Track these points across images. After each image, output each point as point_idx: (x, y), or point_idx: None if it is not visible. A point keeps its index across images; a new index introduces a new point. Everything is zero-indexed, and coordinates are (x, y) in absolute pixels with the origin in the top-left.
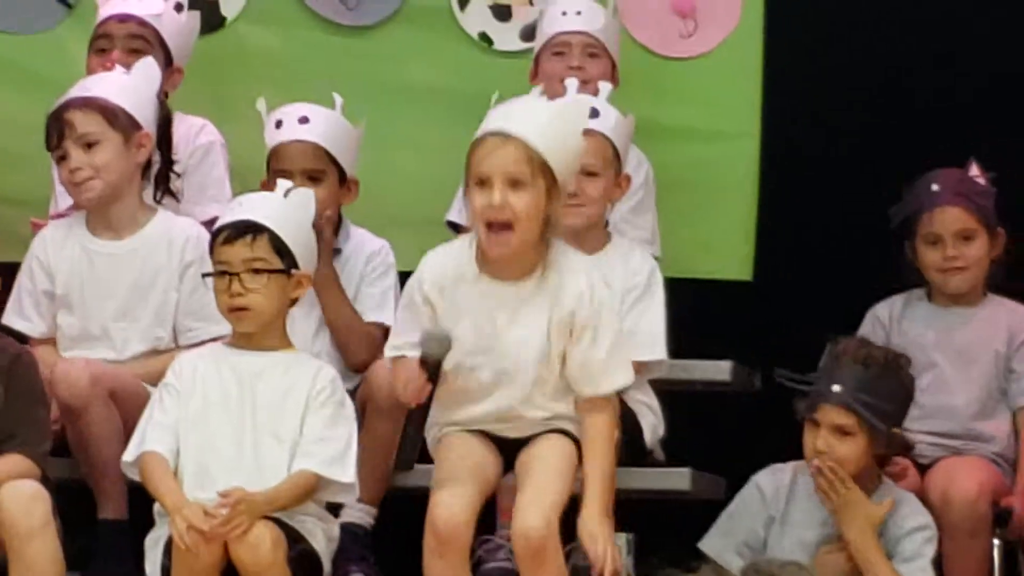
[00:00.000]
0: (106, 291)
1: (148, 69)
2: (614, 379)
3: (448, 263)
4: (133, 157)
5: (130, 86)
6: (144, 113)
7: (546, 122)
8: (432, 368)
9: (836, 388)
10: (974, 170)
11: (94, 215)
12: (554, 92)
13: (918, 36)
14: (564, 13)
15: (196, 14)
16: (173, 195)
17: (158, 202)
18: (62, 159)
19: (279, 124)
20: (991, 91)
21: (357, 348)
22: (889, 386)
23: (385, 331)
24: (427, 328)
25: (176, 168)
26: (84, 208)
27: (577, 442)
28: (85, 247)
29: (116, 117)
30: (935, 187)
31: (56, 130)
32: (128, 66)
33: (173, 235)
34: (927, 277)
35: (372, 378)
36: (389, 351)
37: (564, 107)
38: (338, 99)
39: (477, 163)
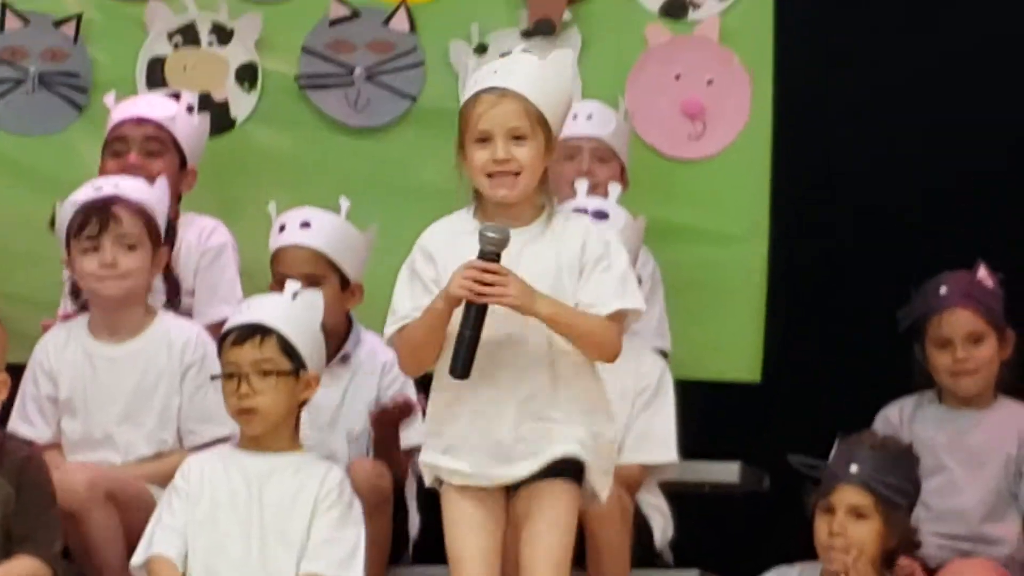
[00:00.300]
0: (108, 395)
1: (164, 191)
2: (626, 300)
3: (446, 226)
4: (153, 270)
5: (155, 200)
6: (162, 231)
7: (538, 77)
8: (493, 260)
9: (854, 468)
10: (982, 272)
11: (97, 318)
12: (564, 195)
13: (926, 140)
14: (575, 116)
15: (206, 116)
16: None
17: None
18: (92, 250)
19: (282, 228)
20: (1002, 195)
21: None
22: (904, 470)
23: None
24: (482, 224)
25: (187, 269)
26: (101, 304)
27: (580, 480)
28: (87, 351)
29: (152, 228)
30: (943, 290)
31: (99, 220)
32: (147, 169)
33: (172, 337)
34: (937, 380)
35: (355, 475)
36: (392, 326)
37: (551, 62)
38: (344, 203)
39: (476, 120)
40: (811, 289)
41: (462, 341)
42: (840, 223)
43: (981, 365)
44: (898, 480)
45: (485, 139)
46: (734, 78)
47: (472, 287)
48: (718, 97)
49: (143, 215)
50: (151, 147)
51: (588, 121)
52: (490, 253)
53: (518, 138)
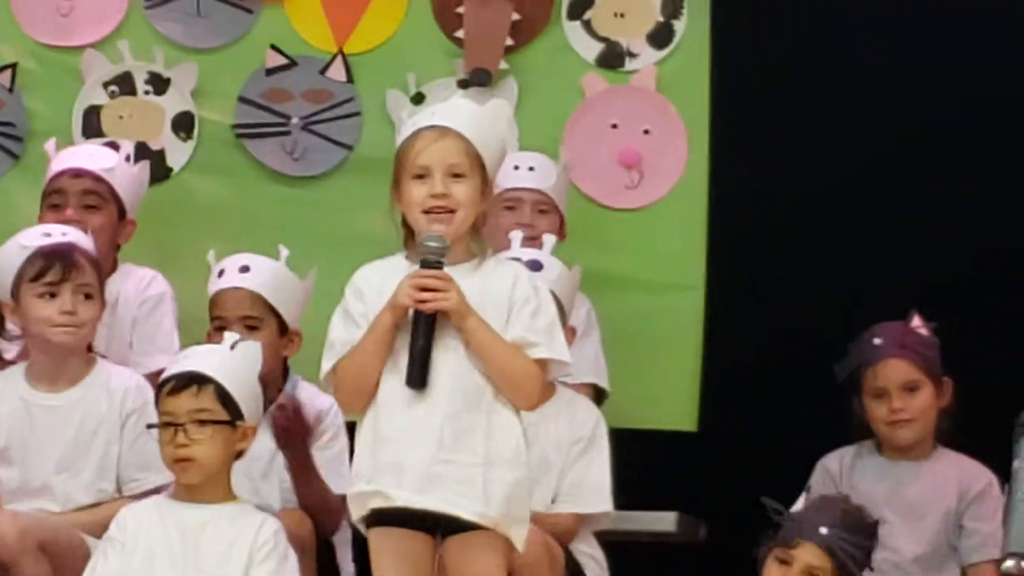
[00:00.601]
0: (46, 445)
1: (90, 242)
2: (553, 350)
3: (379, 267)
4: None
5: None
6: None
7: (477, 119)
8: (435, 268)
9: (823, 530)
10: (916, 321)
11: (39, 366)
12: (501, 247)
13: (864, 190)
14: (516, 168)
15: (146, 165)
16: None
17: None
18: (49, 296)
19: (221, 272)
20: (943, 246)
21: (326, 519)
22: (866, 542)
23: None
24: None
25: (125, 319)
26: (49, 351)
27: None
28: (24, 399)
29: (101, 279)
30: (877, 341)
31: (62, 267)
32: (84, 223)
33: (112, 386)
34: (875, 431)
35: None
36: (329, 361)
37: (489, 108)
38: (284, 251)
39: (415, 157)
40: (748, 338)
41: (415, 351)
42: (777, 272)
43: (918, 414)
44: (859, 552)
45: (423, 175)
46: (671, 128)
47: (414, 295)
48: (655, 147)
49: (97, 267)
50: (89, 200)
51: (530, 173)
52: (431, 261)
53: (456, 176)
